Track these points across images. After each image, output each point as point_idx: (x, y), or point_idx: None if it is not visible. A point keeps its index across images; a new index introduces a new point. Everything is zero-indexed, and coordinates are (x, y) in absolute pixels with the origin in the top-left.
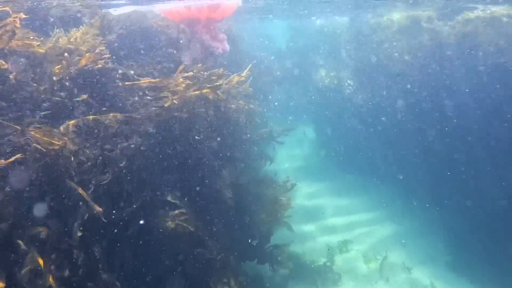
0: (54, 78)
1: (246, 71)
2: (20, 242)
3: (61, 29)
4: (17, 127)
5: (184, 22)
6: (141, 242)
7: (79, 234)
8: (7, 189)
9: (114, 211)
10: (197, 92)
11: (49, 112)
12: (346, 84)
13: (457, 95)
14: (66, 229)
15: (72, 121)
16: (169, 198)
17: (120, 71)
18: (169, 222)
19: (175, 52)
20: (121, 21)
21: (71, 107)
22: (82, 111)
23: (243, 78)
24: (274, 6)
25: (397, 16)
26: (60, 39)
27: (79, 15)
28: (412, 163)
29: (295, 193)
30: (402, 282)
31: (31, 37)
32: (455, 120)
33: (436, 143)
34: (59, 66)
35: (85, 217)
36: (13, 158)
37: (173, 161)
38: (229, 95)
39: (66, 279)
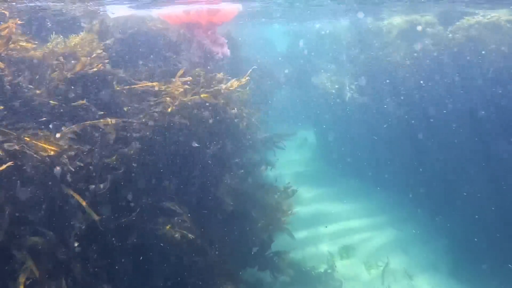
0: (52, 82)
1: (245, 76)
2: (15, 252)
3: (60, 35)
4: (12, 133)
5: (184, 26)
6: (140, 251)
7: (76, 244)
8: (2, 197)
9: (112, 220)
10: (196, 97)
11: (46, 117)
12: (347, 88)
13: (461, 100)
14: (63, 238)
15: (69, 128)
16: (168, 205)
17: (118, 76)
18: (169, 230)
19: (174, 56)
20: (120, 25)
21: (68, 112)
22: (80, 116)
23: (243, 83)
24: (274, 10)
25: (398, 20)
26: (58, 45)
27: (77, 19)
28: (414, 169)
29: (295, 199)
30: None
31: (28, 42)
32: (458, 126)
33: (438, 149)
34: (56, 71)
35: (83, 226)
36: (4, 166)
37: (172, 167)
38: (229, 99)
39: None
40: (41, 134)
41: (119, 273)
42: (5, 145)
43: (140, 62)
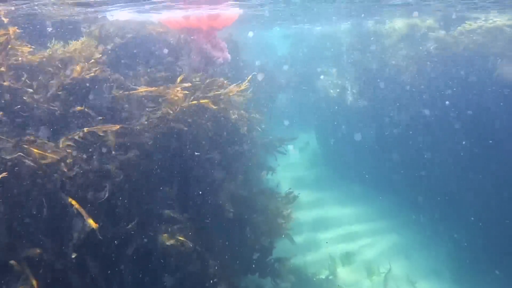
0: (50, 88)
1: (245, 83)
2: (13, 262)
3: (60, 41)
4: (10, 140)
5: (184, 31)
6: (140, 259)
7: (74, 255)
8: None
9: (111, 228)
10: (196, 102)
11: (45, 123)
12: (349, 92)
13: (465, 105)
14: (61, 247)
15: (68, 135)
16: (168, 212)
17: (117, 81)
18: (168, 238)
19: (174, 61)
20: (120, 30)
21: (67, 118)
22: (79, 122)
23: (243, 88)
24: (275, 13)
25: (399, 24)
26: (58, 50)
27: (77, 24)
28: (417, 173)
29: (296, 203)
30: None
31: (27, 48)
32: (462, 130)
33: (441, 154)
34: (55, 77)
35: (81, 235)
36: None
37: (172, 173)
38: (229, 104)
39: None
40: (40, 141)
41: (118, 283)
42: (3, 153)
43: (140, 67)
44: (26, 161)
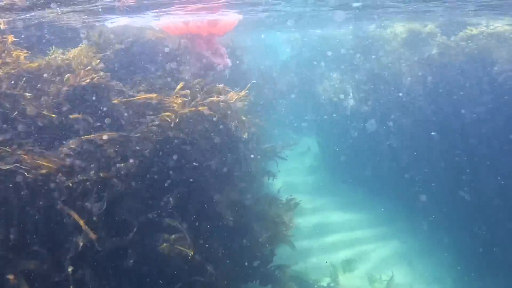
0: (49, 96)
1: (244, 90)
2: (9, 275)
3: (59, 48)
4: (7, 149)
5: (184, 37)
6: (139, 269)
7: (71, 269)
8: None
9: (110, 239)
10: (195, 109)
11: (42, 131)
12: (350, 96)
13: (468, 110)
14: (59, 259)
15: (66, 144)
16: (168, 221)
17: (116, 88)
18: (168, 248)
19: (174, 67)
20: (119, 36)
21: (65, 126)
22: (77, 130)
23: (243, 94)
24: (276, 19)
25: (400, 29)
26: (57, 57)
27: (76, 30)
28: (419, 179)
29: (298, 209)
30: None
31: (24, 55)
32: (465, 135)
33: (444, 159)
34: (53, 84)
35: (79, 247)
36: None
37: (171, 181)
38: (229, 110)
39: None
40: (37, 150)
41: None
42: None
43: (139, 74)
44: (23, 171)
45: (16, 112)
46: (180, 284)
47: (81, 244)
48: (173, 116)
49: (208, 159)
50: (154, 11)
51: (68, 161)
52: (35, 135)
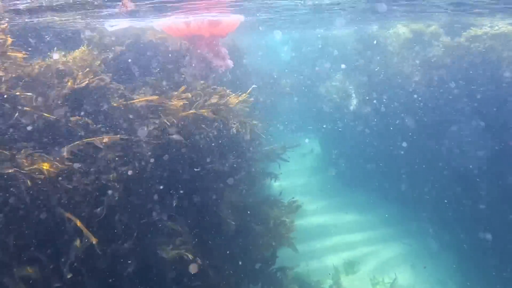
0: (48, 98)
1: (245, 94)
2: (8, 281)
3: (60, 49)
4: (7, 153)
5: (186, 38)
6: (140, 274)
7: (69, 275)
8: None
9: (111, 244)
10: (196, 111)
11: (42, 134)
12: (353, 97)
13: (473, 111)
14: (58, 264)
15: (66, 147)
16: (169, 225)
17: (116, 90)
18: (169, 252)
19: (175, 69)
20: (120, 38)
21: (65, 129)
22: (77, 133)
23: (245, 97)
24: (278, 19)
25: (402, 29)
26: (58, 59)
27: (77, 32)
28: (422, 181)
29: (300, 211)
30: None
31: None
32: (470, 138)
33: (448, 161)
34: (53, 87)
35: (79, 252)
36: None
37: (172, 185)
38: (231, 113)
39: None
40: (36, 154)
41: None
42: None
43: (140, 76)
44: (22, 175)
45: (16, 115)
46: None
47: (81, 248)
48: (174, 119)
49: (209, 162)
50: (154, 17)
51: (68, 165)
52: (35, 138)
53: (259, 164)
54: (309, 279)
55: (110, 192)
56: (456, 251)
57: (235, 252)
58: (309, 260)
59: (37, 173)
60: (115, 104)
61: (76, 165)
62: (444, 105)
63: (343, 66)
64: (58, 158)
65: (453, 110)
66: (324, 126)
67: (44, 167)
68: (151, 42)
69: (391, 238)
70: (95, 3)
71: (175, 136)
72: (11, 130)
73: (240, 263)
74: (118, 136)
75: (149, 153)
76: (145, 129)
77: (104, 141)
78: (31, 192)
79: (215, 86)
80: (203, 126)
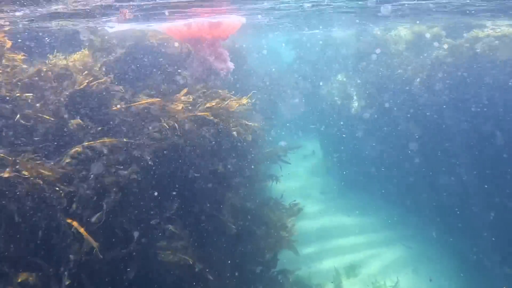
0: (49, 101)
1: (246, 98)
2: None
3: (60, 52)
4: (8, 157)
5: (187, 40)
6: (139, 279)
7: (68, 282)
8: None
9: (111, 249)
10: (196, 114)
11: (42, 137)
12: (355, 99)
13: (477, 113)
14: (58, 271)
15: (66, 152)
16: (170, 228)
17: (117, 93)
18: (169, 256)
19: (176, 71)
20: (120, 40)
21: (65, 132)
22: (77, 136)
23: (245, 100)
24: (279, 21)
25: (404, 32)
26: (58, 62)
27: (77, 34)
28: (425, 184)
29: (301, 213)
30: None
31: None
32: (473, 141)
33: (450, 164)
34: (54, 90)
35: (79, 258)
36: None
37: (173, 188)
38: (231, 115)
39: None
40: (37, 158)
41: None
42: None
43: (141, 78)
44: (22, 180)
45: (16, 118)
46: None
47: (81, 254)
48: (175, 121)
49: (210, 164)
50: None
51: (68, 169)
52: (35, 142)
53: (260, 166)
54: (310, 282)
55: (110, 196)
56: (458, 255)
57: (235, 256)
58: (310, 263)
59: (37, 177)
60: (116, 107)
61: (76, 169)
62: (446, 108)
63: (345, 68)
64: (58, 163)
65: (455, 113)
66: (326, 128)
67: (45, 172)
68: (152, 44)
69: (393, 241)
70: (96, 11)
71: (176, 139)
72: (11, 133)
73: (241, 266)
74: (119, 139)
75: (150, 156)
76: (146, 132)
77: (105, 144)
78: (31, 196)
79: (216, 89)
80: (204, 128)
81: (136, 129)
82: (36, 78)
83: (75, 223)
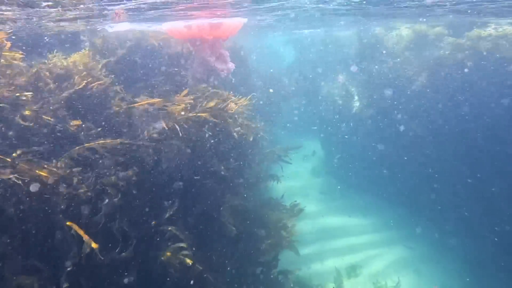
0: (48, 102)
1: (247, 99)
2: None
3: (60, 52)
4: (7, 159)
5: (188, 41)
6: (140, 281)
7: (65, 285)
8: None
9: (110, 251)
10: (196, 114)
11: (42, 138)
12: (355, 99)
13: (479, 113)
14: (57, 274)
15: (66, 154)
16: (170, 229)
17: (118, 94)
18: (168, 258)
19: (177, 72)
20: (121, 41)
21: (65, 133)
22: (77, 137)
23: (246, 100)
24: (281, 21)
25: (406, 31)
26: (58, 62)
27: (77, 34)
28: (426, 185)
29: (302, 213)
30: None
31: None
32: (474, 141)
33: (452, 164)
34: (53, 90)
35: (77, 259)
36: None
37: (173, 189)
38: (232, 116)
39: None
40: (36, 160)
41: None
42: None
43: (142, 79)
44: (21, 182)
45: (15, 119)
46: None
47: (80, 256)
48: (175, 122)
49: (210, 165)
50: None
51: (68, 171)
52: (35, 143)
53: (261, 167)
54: (311, 283)
55: (109, 197)
56: (461, 255)
57: (236, 256)
58: (311, 263)
59: (36, 179)
60: (117, 108)
61: (76, 171)
62: (448, 108)
63: (346, 68)
64: (58, 165)
65: (457, 113)
66: (326, 127)
67: (44, 174)
68: (153, 44)
69: (394, 241)
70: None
71: (176, 140)
72: (10, 134)
73: (241, 267)
74: (119, 140)
75: (150, 157)
76: (146, 133)
77: (105, 145)
78: (29, 198)
79: (217, 90)
80: (204, 129)
81: (136, 130)
82: (36, 78)
83: (74, 226)
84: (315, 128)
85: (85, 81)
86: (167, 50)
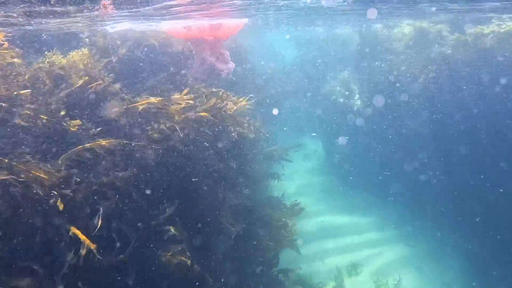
0: (47, 101)
1: (246, 99)
2: None
3: (59, 51)
4: (4, 160)
5: (189, 41)
6: (138, 283)
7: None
8: None
9: (109, 252)
10: (196, 114)
11: (40, 139)
12: (356, 97)
13: (481, 111)
14: (54, 275)
15: (64, 154)
16: (170, 230)
17: (117, 94)
18: (169, 258)
19: (177, 71)
20: (122, 41)
21: (63, 134)
22: (76, 138)
23: (246, 100)
24: (281, 19)
25: (408, 29)
26: (57, 61)
27: (76, 33)
28: (427, 183)
29: (303, 212)
30: None
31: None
32: (476, 138)
33: (453, 163)
34: (52, 90)
35: (74, 261)
36: None
37: (173, 190)
38: (232, 115)
39: None
40: (34, 161)
41: None
42: None
43: (142, 79)
44: (18, 183)
45: (13, 120)
46: None
47: (79, 256)
48: (175, 122)
49: (211, 165)
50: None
51: (66, 173)
52: (33, 143)
53: (261, 166)
54: (311, 281)
55: (108, 198)
56: (462, 253)
57: (236, 256)
58: (311, 262)
59: (34, 181)
60: (116, 108)
61: (74, 172)
62: (450, 106)
63: (347, 66)
64: (55, 166)
65: (460, 110)
66: (327, 126)
67: (41, 175)
68: (153, 44)
69: (395, 240)
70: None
71: (175, 140)
72: (8, 134)
73: (241, 266)
74: (119, 141)
75: (149, 157)
76: (146, 133)
77: (104, 146)
78: (27, 200)
79: (217, 89)
80: (204, 129)
81: (136, 130)
82: (34, 78)
83: (73, 228)
84: (316, 127)
85: (83, 81)
86: (168, 50)
